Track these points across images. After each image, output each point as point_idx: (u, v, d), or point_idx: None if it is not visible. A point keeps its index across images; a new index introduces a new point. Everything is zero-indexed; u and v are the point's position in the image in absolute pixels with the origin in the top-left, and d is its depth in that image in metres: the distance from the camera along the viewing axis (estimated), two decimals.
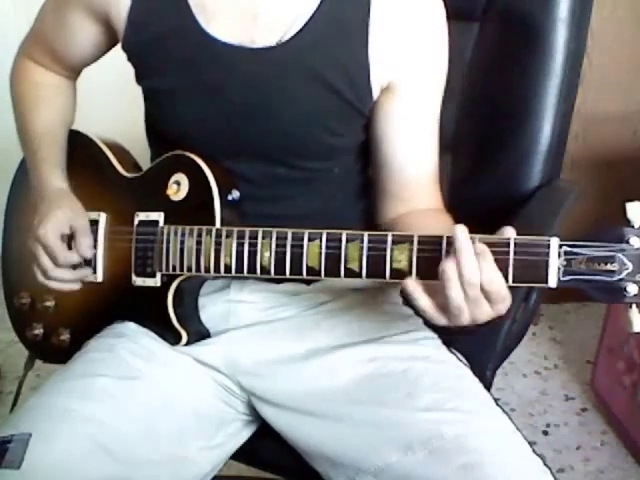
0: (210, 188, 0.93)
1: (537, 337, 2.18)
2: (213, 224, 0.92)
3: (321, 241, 0.84)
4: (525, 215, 1.07)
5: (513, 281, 0.75)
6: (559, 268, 0.72)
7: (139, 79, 0.99)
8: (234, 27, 0.92)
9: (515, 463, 0.83)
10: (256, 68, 0.92)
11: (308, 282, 1.00)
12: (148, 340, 0.99)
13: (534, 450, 0.85)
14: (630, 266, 0.71)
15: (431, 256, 0.79)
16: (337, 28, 0.91)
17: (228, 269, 0.89)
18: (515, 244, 0.74)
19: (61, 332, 1.07)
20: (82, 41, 1.05)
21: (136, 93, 1.02)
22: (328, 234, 0.84)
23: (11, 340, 1.16)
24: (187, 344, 0.98)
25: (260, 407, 0.99)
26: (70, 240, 1.01)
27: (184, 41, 0.93)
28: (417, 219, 0.98)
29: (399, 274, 0.80)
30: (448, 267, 0.74)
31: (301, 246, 0.85)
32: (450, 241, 0.77)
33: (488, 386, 0.98)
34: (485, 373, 1.00)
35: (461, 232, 0.75)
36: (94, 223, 1.02)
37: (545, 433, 1.82)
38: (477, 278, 0.74)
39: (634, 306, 0.72)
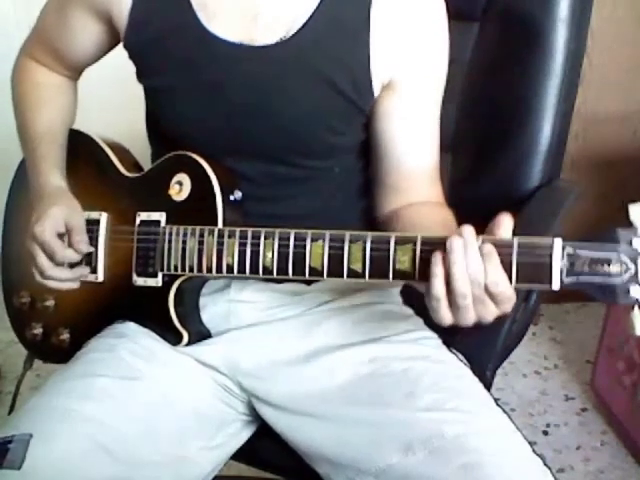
0: (213, 189, 0.93)
1: (537, 337, 2.18)
2: (215, 224, 0.92)
3: (324, 242, 0.83)
4: (525, 215, 1.07)
5: (516, 282, 0.74)
6: (562, 269, 0.72)
7: (140, 77, 1.00)
8: (235, 25, 0.92)
9: (515, 463, 0.83)
10: (257, 67, 0.92)
11: (309, 282, 1.00)
12: (148, 340, 0.99)
13: (534, 450, 0.85)
14: (633, 268, 0.71)
15: None
16: (337, 27, 0.91)
17: (230, 269, 0.89)
18: (518, 245, 0.74)
19: (61, 332, 1.06)
20: (84, 41, 1.05)
21: (137, 92, 1.02)
22: (331, 235, 0.83)
23: (11, 340, 1.15)
24: (188, 344, 0.98)
25: (260, 408, 0.99)
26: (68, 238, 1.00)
27: (185, 39, 0.93)
28: (416, 212, 0.97)
29: (402, 275, 0.79)
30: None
31: (304, 247, 0.84)
32: None
33: (488, 386, 0.98)
34: (485, 373, 1.00)
35: (468, 232, 0.74)
36: (95, 223, 1.02)
37: (545, 433, 1.82)
38: (482, 278, 0.73)
39: (636, 308, 0.72)
